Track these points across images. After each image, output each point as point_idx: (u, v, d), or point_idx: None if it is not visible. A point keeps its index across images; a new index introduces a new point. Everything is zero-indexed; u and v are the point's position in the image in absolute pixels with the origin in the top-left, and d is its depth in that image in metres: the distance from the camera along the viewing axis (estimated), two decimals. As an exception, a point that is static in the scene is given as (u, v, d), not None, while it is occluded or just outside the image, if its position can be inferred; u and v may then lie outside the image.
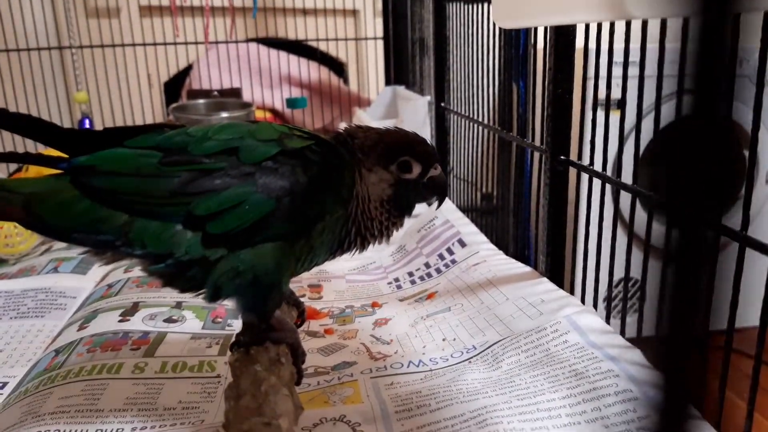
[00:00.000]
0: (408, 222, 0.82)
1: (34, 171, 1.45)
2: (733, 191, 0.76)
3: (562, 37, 1.02)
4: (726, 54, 0.22)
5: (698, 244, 0.22)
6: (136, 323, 1.04)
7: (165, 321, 1.06)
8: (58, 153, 0.71)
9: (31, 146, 2.09)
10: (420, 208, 0.81)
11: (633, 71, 0.87)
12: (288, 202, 0.67)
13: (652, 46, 0.83)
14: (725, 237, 0.73)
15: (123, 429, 0.78)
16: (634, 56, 0.87)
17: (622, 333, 0.91)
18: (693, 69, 0.21)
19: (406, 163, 0.75)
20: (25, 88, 2.39)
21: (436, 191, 0.79)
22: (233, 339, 0.74)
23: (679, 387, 0.22)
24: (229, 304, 0.72)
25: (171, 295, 1.12)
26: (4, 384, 0.96)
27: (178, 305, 1.11)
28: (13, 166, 1.93)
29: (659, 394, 0.23)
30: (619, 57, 0.90)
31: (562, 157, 1.05)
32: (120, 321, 1.05)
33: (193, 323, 1.06)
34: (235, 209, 0.66)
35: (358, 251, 0.78)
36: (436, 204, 0.81)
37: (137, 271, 0.72)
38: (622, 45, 0.89)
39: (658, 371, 0.24)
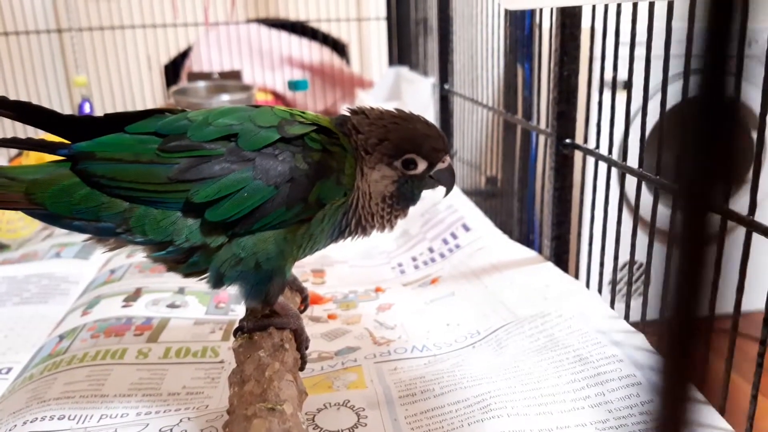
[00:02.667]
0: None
1: (34, 157, 1.45)
2: (739, 174, 0.74)
3: (569, 17, 1.00)
4: (734, 34, 0.21)
5: (703, 228, 0.22)
6: (140, 309, 1.04)
7: (168, 306, 1.06)
8: (60, 139, 0.70)
9: (32, 133, 2.09)
10: (424, 191, 0.79)
11: (640, 51, 0.86)
12: (287, 189, 0.66)
13: (659, 25, 0.81)
14: (732, 222, 0.72)
15: (128, 414, 0.79)
16: (641, 36, 0.85)
17: (627, 317, 0.91)
18: (703, 49, 0.21)
19: (412, 160, 0.72)
20: (24, 71, 2.37)
21: (443, 184, 0.76)
22: (237, 325, 0.74)
23: (680, 369, 0.22)
24: (232, 290, 0.71)
25: (173, 280, 1.12)
26: (9, 369, 0.96)
27: (181, 291, 1.11)
28: (13, 152, 1.92)
29: (660, 377, 0.22)
30: (625, 37, 0.89)
31: (567, 141, 1.04)
32: (123, 306, 1.05)
33: (196, 308, 1.06)
34: (234, 196, 0.65)
35: (361, 237, 0.77)
36: (443, 192, 0.79)
37: (140, 257, 0.71)
38: (629, 25, 0.88)
39: (660, 355, 0.24)
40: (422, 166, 0.73)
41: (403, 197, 0.74)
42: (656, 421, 0.22)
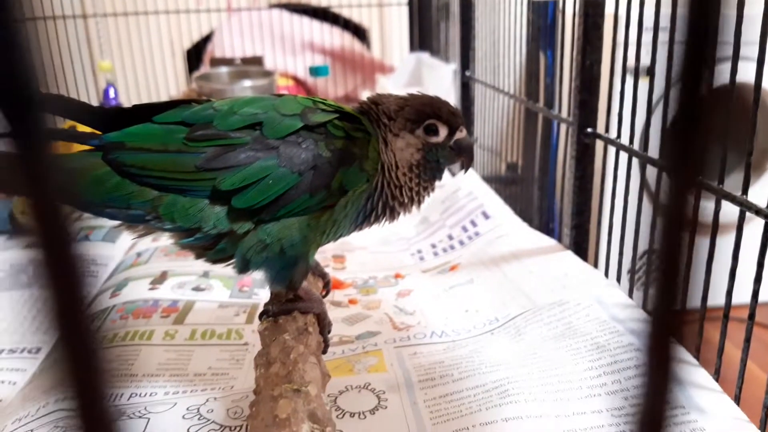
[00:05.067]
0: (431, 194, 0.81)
1: (63, 145, 1.48)
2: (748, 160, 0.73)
3: (592, 5, 1.00)
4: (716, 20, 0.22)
5: (684, 199, 0.24)
6: (166, 291, 1.07)
7: (193, 289, 1.08)
8: (90, 129, 0.72)
9: (60, 122, 2.12)
10: (444, 178, 0.81)
11: (663, 37, 0.85)
12: (311, 177, 0.68)
13: (682, 11, 0.81)
14: (750, 212, 0.72)
15: (156, 393, 0.81)
16: (665, 22, 0.85)
17: (645, 306, 0.91)
18: (685, 34, 0.22)
19: (433, 126, 0.74)
20: (51, 56, 2.41)
21: (464, 154, 0.77)
22: (262, 308, 0.76)
23: (664, 327, 0.25)
24: (257, 275, 0.73)
25: (198, 263, 1.15)
26: (39, 349, 1.00)
27: (206, 274, 1.13)
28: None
29: (647, 334, 0.25)
30: (649, 23, 0.88)
31: (589, 130, 1.04)
32: (150, 289, 1.08)
33: (220, 292, 1.09)
34: (259, 183, 0.67)
35: (388, 222, 0.79)
36: (462, 172, 0.81)
37: (165, 240, 0.73)
38: (653, 11, 0.87)
39: (647, 313, 0.27)
40: (443, 132, 0.75)
41: (429, 166, 0.76)
42: (644, 374, 0.25)
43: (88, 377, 0.23)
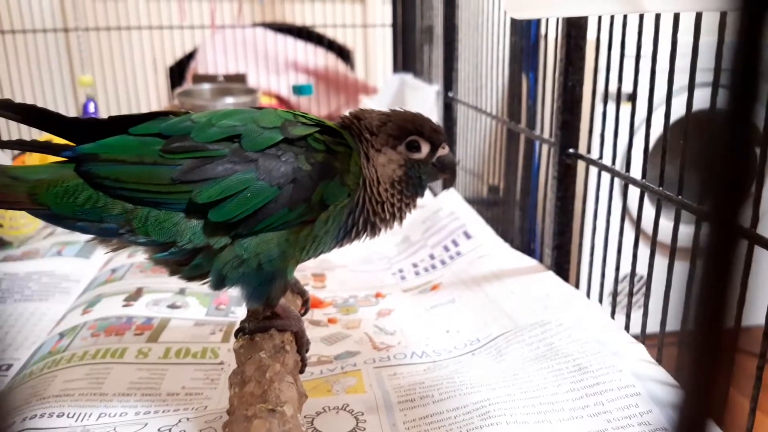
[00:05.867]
0: (413, 212, 0.81)
1: (37, 156, 1.45)
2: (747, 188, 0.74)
3: (574, 28, 1.01)
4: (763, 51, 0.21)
5: (731, 251, 0.21)
6: (140, 308, 1.04)
7: (168, 307, 1.06)
8: (64, 141, 0.70)
9: (37, 134, 2.08)
10: (426, 197, 0.80)
11: (645, 64, 0.86)
12: (290, 190, 0.67)
13: (665, 38, 0.82)
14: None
15: (126, 413, 0.79)
16: (647, 49, 0.86)
17: (627, 328, 0.91)
18: (732, 65, 0.20)
19: (415, 142, 0.74)
20: (30, 70, 2.38)
21: (446, 171, 0.77)
22: (238, 326, 0.74)
23: (701, 405, 0.21)
24: (233, 291, 0.72)
25: (174, 280, 1.12)
26: (9, 366, 0.96)
27: (182, 291, 1.11)
28: (16, 151, 1.93)
29: (679, 411, 0.22)
30: (631, 49, 0.89)
31: (570, 150, 1.05)
32: (124, 306, 1.05)
33: (196, 310, 1.06)
34: (237, 196, 0.65)
35: (369, 237, 0.78)
36: (444, 190, 0.80)
37: (141, 256, 0.71)
38: (635, 37, 0.88)
39: (679, 388, 0.24)
40: (425, 149, 0.75)
41: (411, 182, 0.75)
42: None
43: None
